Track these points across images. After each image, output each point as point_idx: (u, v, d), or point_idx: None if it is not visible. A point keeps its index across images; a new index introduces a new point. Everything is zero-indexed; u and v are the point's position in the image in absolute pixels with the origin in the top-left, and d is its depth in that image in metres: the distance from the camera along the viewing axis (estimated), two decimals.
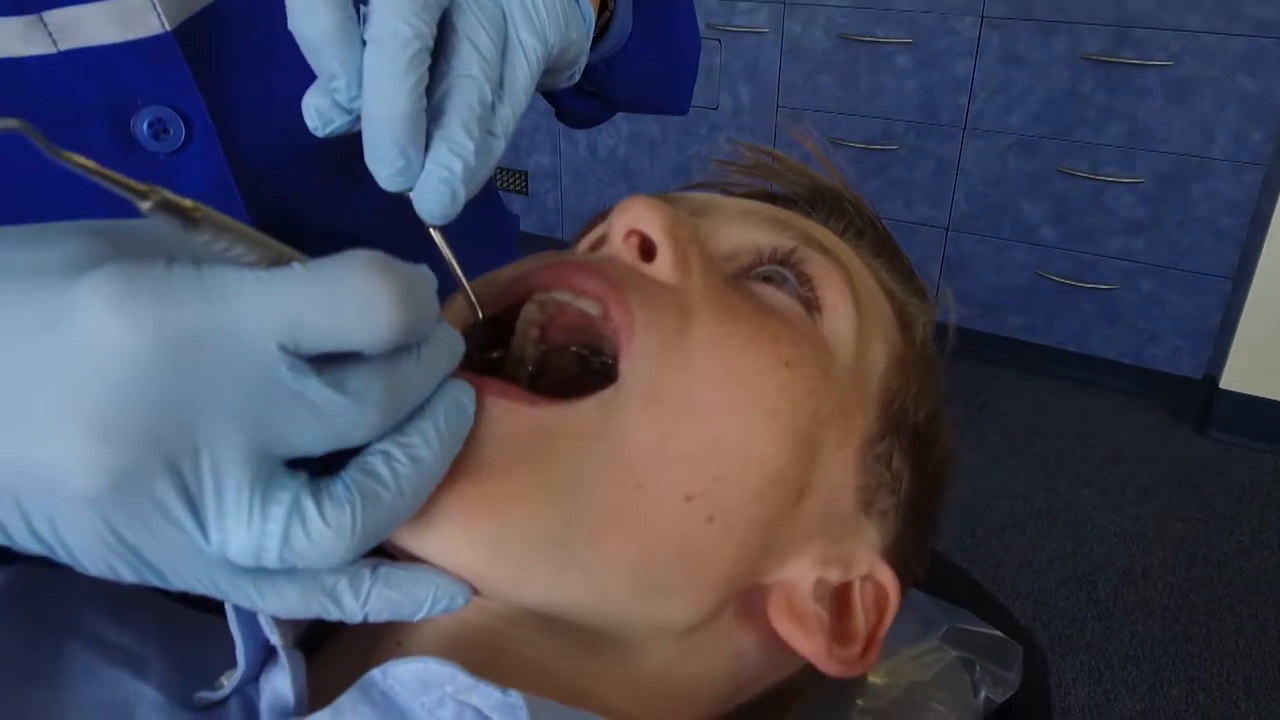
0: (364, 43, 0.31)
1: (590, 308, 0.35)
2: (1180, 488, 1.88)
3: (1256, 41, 1.80)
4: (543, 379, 0.36)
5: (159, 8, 0.35)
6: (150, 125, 0.37)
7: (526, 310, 0.36)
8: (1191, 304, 2.03)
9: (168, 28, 0.36)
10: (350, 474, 0.25)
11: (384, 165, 0.31)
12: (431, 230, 0.34)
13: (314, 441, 0.24)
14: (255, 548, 0.24)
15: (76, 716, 0.31)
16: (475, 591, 0.30)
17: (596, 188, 2.65)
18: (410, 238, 0.50)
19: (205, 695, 0.33)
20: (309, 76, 0.41)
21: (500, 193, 2.83)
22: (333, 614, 0.27)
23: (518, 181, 2.78)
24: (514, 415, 0.31)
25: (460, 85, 0.32)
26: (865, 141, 2.23)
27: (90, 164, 0.21)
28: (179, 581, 0.25)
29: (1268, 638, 1.54)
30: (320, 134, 0.32)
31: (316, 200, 0.45)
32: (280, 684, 0.32)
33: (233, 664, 0.33)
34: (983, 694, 0.45)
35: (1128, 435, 2.04)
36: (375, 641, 0.35)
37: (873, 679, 0.44)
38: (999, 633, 0.48)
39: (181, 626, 0.37)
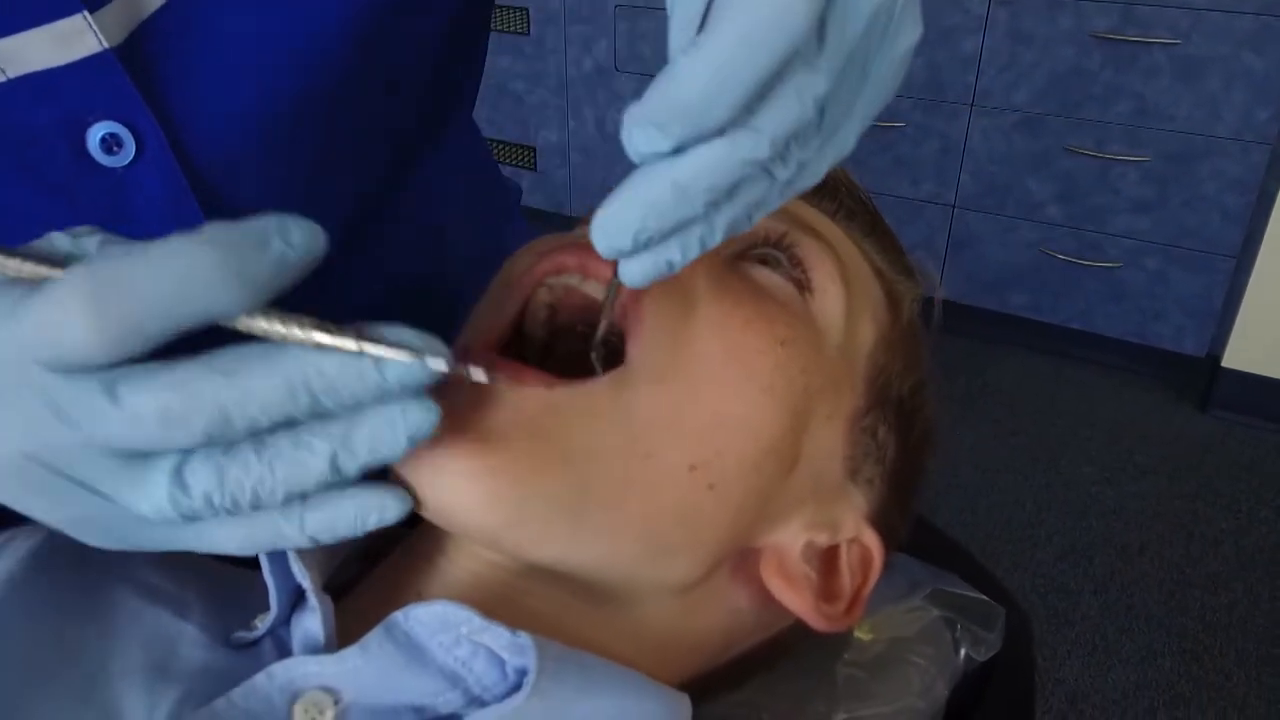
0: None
1: (596, 291, 0.37)
2: (1180, 465, 1.90)
3: (1264, 20, 1.80)
4: (551, 355, 0.39)
5: (95, 27, 0.35)
6: (103, 141, 0.38)
7: (537, 293, 0.39)
8: (1196, 283, 2.04)
9: (106, 45, 0.36)
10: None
11: (622, 240, 0.28)
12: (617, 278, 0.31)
13: (120, 440, 0.25)
14: (155, 510, 0.26)
15: (123, 646, 0.34)
16: (418, 505, 0.32)
17: (605, 163, 2.66)
18: (371, 253, 0.51)
19: (242, 635, 0.36)
20: (261, 82, 0.41)
21: (508, 168, 2.83)
22: (280, 544, 0.29)
23: (526, 157, 2.80)
24: (530, 397, 0.34)
25: (759, 185, 0.28)
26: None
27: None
28: (134, 540, 0.28)
29: (1261, 612, 1.57)
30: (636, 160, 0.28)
31: (278, 204, 0.46)
32: (311, 624, 0.35)
33: (266, 608, 0.36)
34: (963, 652, 0.47)
35: (1130, 413, 2.06)
36: (396, 591, 0.38)
37: (858, 634, 0.46)
38: (982, 595, 0.50)
39: (218, 573, 0.40)
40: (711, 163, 0.26)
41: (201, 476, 0.26)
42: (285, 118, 0.42)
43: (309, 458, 0.27)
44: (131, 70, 0.37)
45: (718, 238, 0.29)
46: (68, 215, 0.39)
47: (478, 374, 0.29)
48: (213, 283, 0.24)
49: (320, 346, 0.26)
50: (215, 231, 0.25)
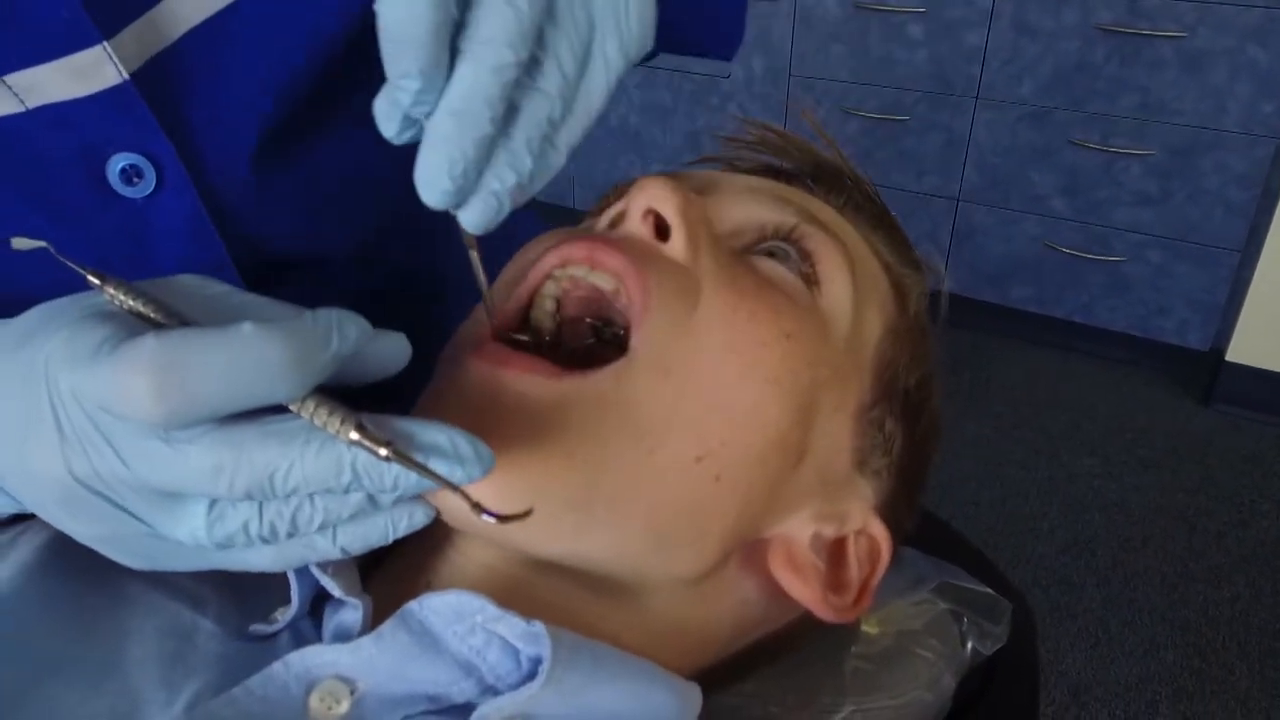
0: (451, 51, 0.29)
1: (603, 282, 0.38)
2: (1183, 459, 1.90)
3: (1270, 13, 1.79)
4: (559, 347, 0.39)
5: (115, 57, 0.35)
6: (123, 172, 0.38)
7: (544, 285, 0.39)
8: (1200, 277, 2.03)
9: (126, 76, 0.36)
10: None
11: (443, 181, 0.29)
12: (469, 240, 0.34)
13: (172, 484, 0.27)
14: (191, 538, 0.28)
15: (137, 638, 0.35)
16: (438, 513, 0.33)
17: (608, 157, 2.65)
18: (385, 255, 0.51)
19: (260, 628, 0.37)
20: (279, 110, 0.41)
21: None
22: (313, 559, 0.30)
23: None
24: (537, 386, 0.34)
25: (535, 100, 0.30)
26: (877, 112, 2.23)
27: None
28: (166, 562, 0.30)
29: (1263, 605, 1.57)
30: (397, 142, 0.31)
31: (296, 231, 0.46)
32: (348, 619, 0.36)
33: (283, 601, 0.37)
34: (970, 645, 0.48)
35: (1132, 406, 2.06)
36: (408, 580, 0.38)
37: (866, 628, 0.46)
38: (988, 589, 0.51)
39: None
40: (465, 81, 0.29)
41: (242, 508, 0.27)
42: (299, 139, 0.42)
43: (349, 493, 0.28)
44: (150, 98, 0.37)
45: (528, 160, 0.30)
46: (86, 245, 0.39)
47: (487, 518, 0.29)
48: (279, 375, 0.25)
49: (352, 444, 0.27)
50: (287, 326, 0.26)
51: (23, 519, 0.38)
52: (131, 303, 0.28)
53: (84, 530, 0.29)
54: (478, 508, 0.29)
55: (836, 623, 0.40)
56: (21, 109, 0.36)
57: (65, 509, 0.28)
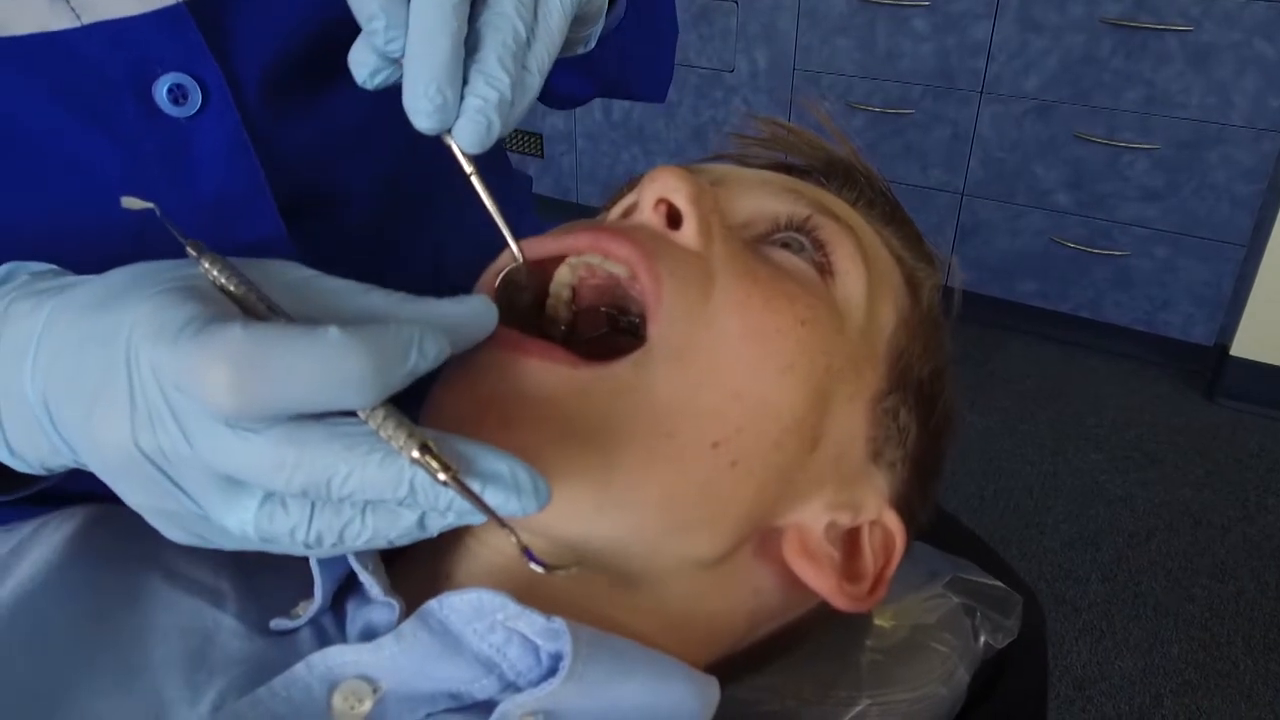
0: None
1: (618, 270, 0.38)
2: (1187, 453, 1.90)
3: (1276, 7, 1.79)
4: (575, 336, 0.40)
5: None
6: (170, 91, 0.39)
7: (559, 273, 0.39)
8: (1205, 271, 2.03)
9: None
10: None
11: (424, 103, 0.32)
12: (465, 167, 0.35)
13: (245, 473, 0.26)
14: (239, 529, 0.27)
15: (159, 637, 0.35)
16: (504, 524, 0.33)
17: (611, 150, 2.65)
18: (414, 195, 0.51)
19: (282, 623, 0.37)
20: (323, 43, 0.42)
21: (515, 155, 2.83)
22: (352, 550, 0.30)
23: (533, 144, 2.79)
24: (557, 375, 0.34)
25: (496, 23, 0.33)
26: (882, 105, 2.22)
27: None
28: (212, 541, 0.29)
29: (1267, 600, 1.57)
30: (369, 86, 0.34)
31: (332, 161, 0.47)
32: (379, 619, 0.36)
33: (303, 595, 0.37)
34: (982, 639, 0.48)
35: (1137, 401, 2.06)
36: (425, 572, 0.38)
37: (879, 622, 0.47)
38: (1000, 583, 0.51)
39: (251, 560, 0.40)
40: (420, 7, 0.31)
41: (293, 511, 0.27)
42: (329, 73, 0.43)
43: (404, 513, 0.28)
44: (200, 21, 0.38)
45: (504, 76, 0.32)
46: (129, 162, 0.40)
47: (535, 566, 0.29)
48: (355, 386, 0.25)
49: (414, 462, 0.26)
50: (370, 338, 0.25)
51: (38, 510, 0.38)
52: (223, 280, 0.28)
53: (135, 498, 0.29)
54: (526, 552, 0.29)
55: (851, 612, 0.40)
56: (77, 24, 0.37)
57: (121, 474, 0.28)
